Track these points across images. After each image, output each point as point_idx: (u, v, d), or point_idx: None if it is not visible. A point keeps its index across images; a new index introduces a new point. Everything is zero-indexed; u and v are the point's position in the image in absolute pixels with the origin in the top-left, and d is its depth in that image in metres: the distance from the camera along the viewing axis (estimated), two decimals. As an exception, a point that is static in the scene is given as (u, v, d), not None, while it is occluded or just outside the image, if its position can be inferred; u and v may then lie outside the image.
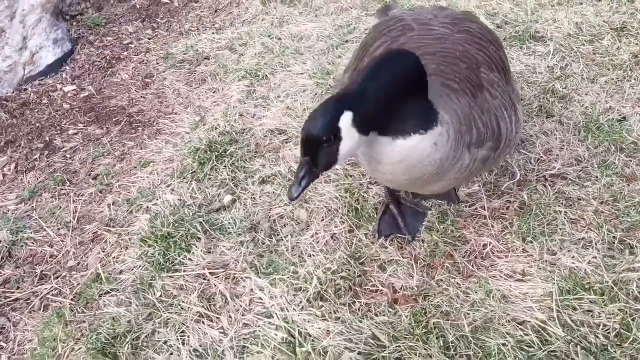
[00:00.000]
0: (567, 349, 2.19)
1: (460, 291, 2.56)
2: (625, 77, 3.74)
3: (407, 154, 1.96)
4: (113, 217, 3.21)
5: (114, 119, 4.06)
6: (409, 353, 2.23)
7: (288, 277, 2.67)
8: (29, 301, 2.88)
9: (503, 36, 4.19)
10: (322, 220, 2.99)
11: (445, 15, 2.48)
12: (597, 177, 3.05)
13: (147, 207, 3.18)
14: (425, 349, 2.24)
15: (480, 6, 4.60)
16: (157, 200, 3.22)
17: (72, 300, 2.80)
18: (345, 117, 1.79)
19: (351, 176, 3.20)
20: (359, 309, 2.52)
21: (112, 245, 3.04)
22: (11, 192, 3.55)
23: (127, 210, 3.22)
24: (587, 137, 3.30)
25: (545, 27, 4.26)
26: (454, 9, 3.15)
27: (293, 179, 1.84)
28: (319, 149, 1.81)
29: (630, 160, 3.13)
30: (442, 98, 2.06)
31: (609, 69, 3.81)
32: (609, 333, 2.30)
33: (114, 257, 2.97)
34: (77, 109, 4.19)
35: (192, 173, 3.36)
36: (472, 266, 2.69)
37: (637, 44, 4.00)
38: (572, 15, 4.31)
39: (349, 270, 2.69)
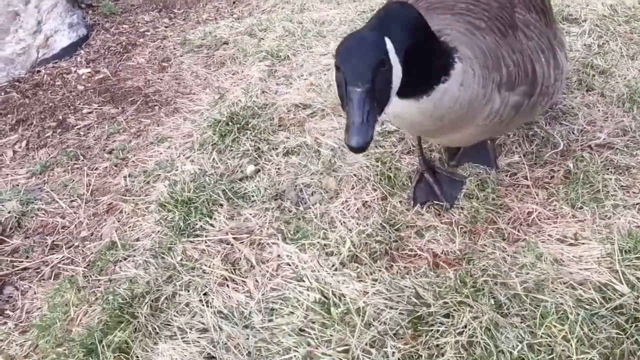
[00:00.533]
0: (636, 305, 1.96)
1: (507, 255, 2.34)
2: (666, 54, 3.57)
3: (435, 105, 1.80)
4: (129, 187, 3.03)
5: (130, 99, 3.90)
6: (457, 310, 2.01)
7: (318, 241, 2.46)
8: (38, 270, 2.68)
9: (533, 18, 4.03)
10: (352, 188, 2.80)
11: None
12: (647, 146, 2.85)
13: (166, 177, 3.00)
14: (476, 306, 2.01)
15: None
16: (176, 170, 3.03)
17: (85, 267, 2.60)
18: (388, 41, 1.59)
19: (381, 146, 3.01)
20: (397, 272, 2.30)
21: (128, 214, 2.85)
22: (21, 167, 3.38)
23: (144, 181, 3.04)
24: (632, 108, 3.10)
25: (577, 9, 4.11)
26: None
27: (345, 124, 1.48)
28: (377, 73, 1.49)
29: (681, 129, 2.93)
30: (464, 36, 1.89)
31: (648, 47, 3.64)
32: (679, 293, 2.07)
33: (129, 226, 2.78)
34: (92, 90, 4.04)
35: (212, 145, 3.18)
36: (518, 231, 2.48)
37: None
38: (604, -2, 4.17)
39: (384, 234, 2.48)
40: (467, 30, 1.94)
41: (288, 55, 4.00)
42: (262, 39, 4.33)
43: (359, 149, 1.44)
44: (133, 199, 2.91)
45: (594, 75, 3.38)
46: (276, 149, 3.12)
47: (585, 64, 3.46)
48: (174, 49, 4.48)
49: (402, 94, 1.72)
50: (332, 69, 3.71)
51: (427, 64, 1.73)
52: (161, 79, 4.10)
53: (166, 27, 4.89)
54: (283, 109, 3.42)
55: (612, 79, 3.35)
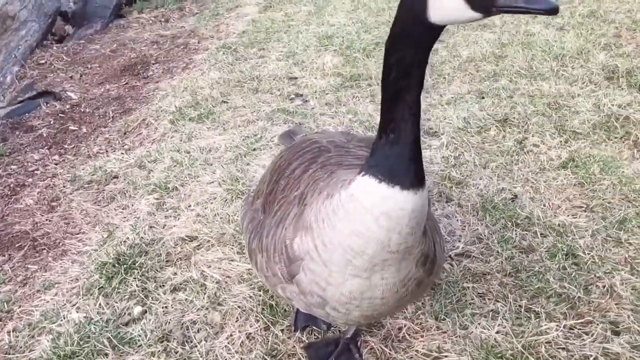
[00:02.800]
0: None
1: (379, 376, 2.52)
2: (512, 161, 4.05)
3: (422, 206, 1.69)
4: (13, 344, 3.00)
5: (17, 244, 3.90)
6: None
7: (203, 383, 2.55)
8: None
9: (400, 134, 4.47)
10: (237, 320, 2.93)
11: (358, 139, 2.45)
12: (499, 252, 3.19)
13: (50, 329, 3.00)
14: None
15: (377, 110, 4.92)
16: (62, 320, 3.05)
17: None
18: None
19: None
20: (277, 407, 2.41)
21: (11, 374, 2.81)
22: None
23: (29, 335, 3.02)
24: (485, 216, 3.48)
25: (437, 123, 4.59)
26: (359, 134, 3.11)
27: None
28: None
29: (526, 234, 3.32)
30: None
31: (497, 155, 4.12)
32: (525, 398, 2.31)
33: (12, 387, 2.74)
34: (-24, 239, 4.00)
35: (99, 288, 3.23)
36: (390, 349, 2.68)
37: (519, 132, 4.37)
38: (459, 112, 4.69)
39: (266, 368, 2.61)
40: None
41: (176, 187, 4.17)
42: (152, 170, 4.49)
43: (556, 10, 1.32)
44: (17, 357, 2.89)
45: (451, 187, 3.77)
46: (163, 286, 3.22)
47: (444, 177, 3.87)
48: (64, 186, 4.55)
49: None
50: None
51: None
52: (50, 220, 4.13)
53: (56, 164, 4.96)
54: (170, 244, 3.55)
55: (467, 188, 3.76)
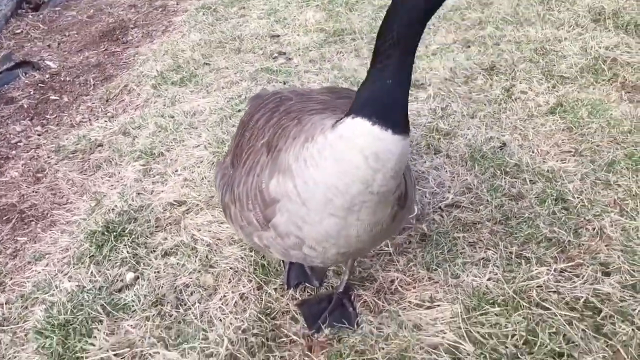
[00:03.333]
0: (479, 362, 2.20)
1: (374, 327, 2.54)
2: (500, 109, 4.01)
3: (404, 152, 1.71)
4: (6, 316, 2.99)
5: (4, 217, 3.86)
6: (326, 395, 2.16)
7: (198, 344, 2.56)
8: None
9: (386, 87, 4.41)
10: (229, 282, 2.93)
11: (322, 88, 2.55)
12: (488, 201, 3.19)
13: (43, 299, 3.00)
14: (342, 388, 2.18)
15: (363, 64, 4.84)
16: (54, 290, 3.04)
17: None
18: None
19: (255, 235, 3.17)
20: (273, 363, 2.43)
21: (7, 345, 2.81)
22: None
23: (22, 306, 3.01)
24: (474, 166, 3.46)
25: (423, 75, 4.53)
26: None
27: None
28: None
29: (515, 181, 3.31)
30: None
31: (484, 104, 4.08)
32: (517, 341, 2.34)
33: (8, 359, 2.74)
34: (-37, 213, 3.96)
35: (90, 257, 3.22)
36: (382, 302, 2.69)
37: (506, 80, 4.32)
38: (445, 62, 4.62)
39: (261, 326, 2.62)
40: None
41: (162, 152, 4.12)
42: (136, 137, 4.43)
43: None
44: (11, 328, 2.88)
45: (439, 138, 3.74)
46: (154, 251, 3.20)
47: (432, 129, 3.83)
48: (49, 157, 4.48)
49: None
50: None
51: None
52: (36, 192, 4.09)
53: (39, 135, 4.88)
54: (159, 209, 3.52)
55: (455, 139, 3.73)
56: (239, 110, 4.51)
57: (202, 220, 3.38)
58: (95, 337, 2.69)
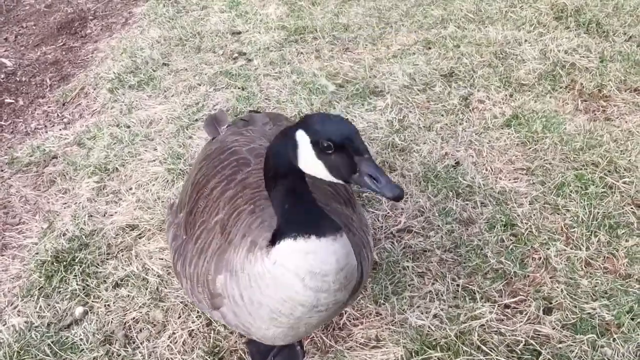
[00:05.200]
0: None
1: (319, 369, 2.56)
2: (457, 120, 4.00)
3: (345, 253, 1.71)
4: (-47, 355, 2.96)
5: (-46, 240, 3.79)
6: None
7: (144, 389, 2.56)
8: None
9: (345, 95, 4.36)
10: (179, 317, 2.93)
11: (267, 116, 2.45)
12: (439, 226, 3.20)
13: (-9, 338, 2.97)
14: None
15: (323, 67, 4.77)
16: (2, 326, 3.01)
17: None
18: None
19: (206, 264, 3.16)
20: (218, 410, 2.45)
21: (-46, 387, 2.80)
22: None
23: (-30, 345, 2.99)
24: (427, 187, 3.46)
25: (382, 81, 4.48)
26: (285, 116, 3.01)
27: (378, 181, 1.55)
28: None
29: (467, 204, 3.32)
30: None
31: (442, 115, 4.06)
32: (457, 387, 2.38)
33: (-44, 402, 2.73)
34: None
35: (39, 289, 3.18)
36: (330, 339, 2.71)
37: (464, 87, 4.30)
38: (405, 67, 4.57)
39: (208, 368, 2.63)
40: None
41: (117, 167, 4.06)
42: (91, 148, 4.35)
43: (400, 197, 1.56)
44: (-42, 370, 2.86)
45: (395, 155, 3.72)
46: (105, 282, 3.18)
47: (387, 144, 3.81)
48: (2, 170, 4.39)
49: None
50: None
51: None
52: (-11, 210, 4.01)
53: (-7, 144, 4.77)
54: (111, 234, 3.49)
55: (411, 156, 3.71)
56: (196, 120, 4.44)
57: (154, 247, 3.35)
58: (42, 382, 2.68)
